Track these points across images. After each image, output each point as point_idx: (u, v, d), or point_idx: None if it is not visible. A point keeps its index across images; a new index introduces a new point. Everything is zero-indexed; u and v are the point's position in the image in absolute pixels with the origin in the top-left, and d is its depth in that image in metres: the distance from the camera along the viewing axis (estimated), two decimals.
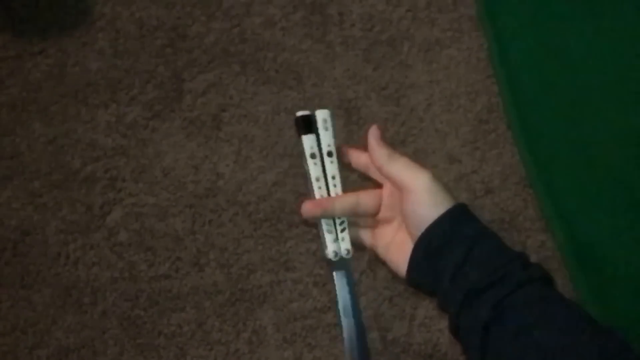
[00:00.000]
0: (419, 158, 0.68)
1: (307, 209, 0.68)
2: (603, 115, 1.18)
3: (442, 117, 1.24)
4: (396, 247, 0.65)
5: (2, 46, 1.27)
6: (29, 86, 1.24)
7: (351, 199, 0.67)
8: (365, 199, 0.68)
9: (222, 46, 1.27)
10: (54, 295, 1.13)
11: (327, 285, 1.14)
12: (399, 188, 0.63)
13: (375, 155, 0.66)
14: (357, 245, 0.70)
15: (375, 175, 0.70)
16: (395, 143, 1.22)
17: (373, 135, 0.67)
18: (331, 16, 1.30)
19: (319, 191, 0.69)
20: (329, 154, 0.69)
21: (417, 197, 0.61)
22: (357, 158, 0.70)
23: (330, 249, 0.68)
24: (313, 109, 0.74)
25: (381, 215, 0.68)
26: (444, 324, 1.12)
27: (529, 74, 1.23)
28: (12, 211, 1.17)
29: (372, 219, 0.68)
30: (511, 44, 1.25)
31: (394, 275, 0.67)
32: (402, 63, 1.28)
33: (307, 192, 1.26)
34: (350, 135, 1.23)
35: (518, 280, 0.56)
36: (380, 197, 0.68)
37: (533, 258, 1.17)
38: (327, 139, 0.69)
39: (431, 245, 0.60)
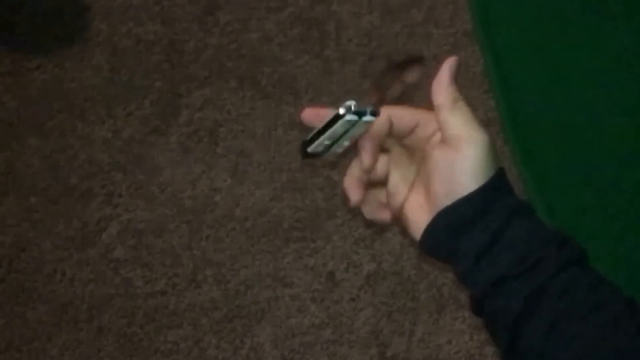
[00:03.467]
0: None
1: (309, 112, 0.56)
2: (602, 130, 1.18)
3: None
4: (411, 207, 0.55)
5: None
6: (26, 101, 1.24)
7: (384, 116, 0.54)
8: (398, 116, 0.55)
9: (219, 61, 1.27)
10: (50, 312, 1.12)
11: (325, 301, 1.14)
12: (447, 140, 0.53)
13: (442, 91, 0.55)
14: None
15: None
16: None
17: (450, 67, 0.56)
18: (328, 32, 1.31)
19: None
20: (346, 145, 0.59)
21: (463, 160, 0.51)
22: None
23: (313, 148, 0.56)
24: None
25: (401, 135, 0.57)
26: (443, 339, 1.12)
27: (525, 88, 1.23)
28: (8, 227, 1.16)
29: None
30: (507, 58, 1.25)
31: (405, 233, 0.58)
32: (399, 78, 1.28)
33: (304, 207, 1.26)
34: (347, 150, 1.23)
35: (553, 267, 0.50)
36: (417, 121, 0.55)
37: None
38: (354, 133, 0.56)
39: (457, 220, 0.52)
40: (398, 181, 0.57)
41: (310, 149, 0.58)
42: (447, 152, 0.53)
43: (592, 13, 1.26)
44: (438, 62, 0.55)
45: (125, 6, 1.30)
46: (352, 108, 0.53)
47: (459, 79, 0.58)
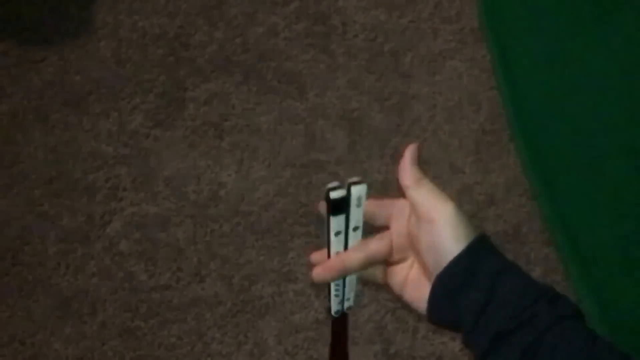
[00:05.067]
0: (421, 169, 0.64)
1: (319, 273, 0.65)
2: (608, 126, 1.18)
3: (445, 128, 1.24)
4: (412, 284, 0.62)
5: (4, 54, 1.26)
6: (30, 94, 1.24)
7: (360, 255, 0.63)
8: (374, 247, 0.64)
9: (225, 55, 1.27)
10: (53, 305, 1.12)
11: None
12: (420, 216, 0.60)
13: (406, 174, 0.63)
14: (372, 283, 0.68)
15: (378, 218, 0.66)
16: (398, 154, 1.21)
17: (411, 152, 0.64)
18: (334, 26, 1.30)
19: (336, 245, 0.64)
20: (355, 229, 0.64)
21: (439, 229, 0.58)
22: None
23: (334, 309, 0.66)
24: (342, 177, 0.66)
25: (394, 257, 0.66)
26: (447, 337, 1.11)
27: (532, 85, 1.23)
28: (12, 220, 1.16)
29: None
30: (514, 55, 1.25)
31: (413, 311, 0.64)
32: (405, 74, 1.27)
33: (308, 203, 1.25)
34: (352, 146, 1.22)
35: (547, 321, 0.53)
36: (390, 240, 0.64)
37: (536, 271, 1.17)
38: (357, 215, 0.62)
39: (451, 283, 0.57)
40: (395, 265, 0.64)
41: (334, 312, 0.66)
42: (425, 226, 0.59)
43: (601, 10, 1.26)
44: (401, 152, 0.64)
45: None
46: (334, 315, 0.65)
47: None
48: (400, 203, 0.64)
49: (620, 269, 1.09)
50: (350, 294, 0.64)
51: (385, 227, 0.65)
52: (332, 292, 0.64)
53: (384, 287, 0.65)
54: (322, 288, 1.14)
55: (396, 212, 0.64)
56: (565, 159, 1.18)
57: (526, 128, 1.20)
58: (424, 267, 0.60)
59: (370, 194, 0.71)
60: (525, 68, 1.24)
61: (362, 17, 1.31)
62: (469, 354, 1.11)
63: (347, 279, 0.64)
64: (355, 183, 0.61)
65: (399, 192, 0.67)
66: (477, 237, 0.57)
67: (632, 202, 1.12)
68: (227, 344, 1.11)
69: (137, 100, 1.24)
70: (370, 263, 0.62)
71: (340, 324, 0.67)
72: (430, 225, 0.58)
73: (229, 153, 1.21)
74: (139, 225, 1.16)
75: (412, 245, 0.62)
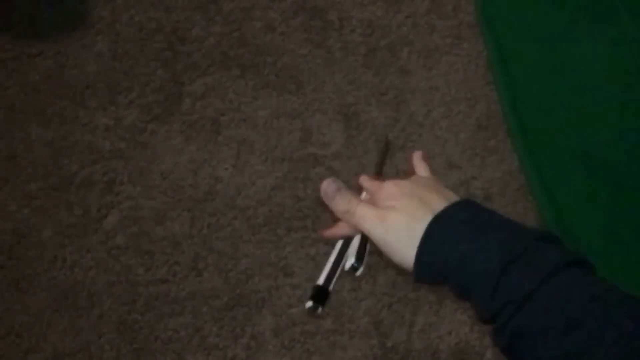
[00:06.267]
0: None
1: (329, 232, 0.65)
2: (603, 120, 1.18)
3: (441, 123, 1.24)
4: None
5: (0, 48, 1.26)
6: (27, 88, 1.23)
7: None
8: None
9: (222, 50, 1.27)
10: (50, 298, 1.11)
11: None
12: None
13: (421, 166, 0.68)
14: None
15: None
16: (395, 149, 1.21)
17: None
18: (331, 21, 1.30)
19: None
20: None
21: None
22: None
23: (321, 281, 0.64)
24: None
25: None
26: (443, 330, 1.12)
27: (528, 80, 1.23)
28: (8, 213, 1.16)
29: None
30: (510, 50, 1.25)
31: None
32: (402, 69, 1.27)
33: (305, 197, 1.25)
34: (349, 141, 1.23)
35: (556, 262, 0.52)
36: None
37: None
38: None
39: (471, 218, 0.55)
40: None
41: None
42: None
43: (596, 6, 1.26)
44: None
45: None
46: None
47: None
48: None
49: (620, 267, 1.10)
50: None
51: None
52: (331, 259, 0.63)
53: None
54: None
55: None
56: (561, 152, 1.18)
57: (522, 123, 1.21)
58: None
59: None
60: (522, 63, 1.24)
61: (359, 12, 1.31)
62: (463, 347, 1.12)
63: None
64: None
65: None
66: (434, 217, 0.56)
67: (628, 196, 1.13)
68: (224, 337, 1.11)
69: (134, 95, 1.24)
70: None
71: None
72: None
73: (225, 147, 1.21)
74: (136, 219, 1.16)
75: None
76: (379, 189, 0.60)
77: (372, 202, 0.60)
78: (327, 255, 1.22)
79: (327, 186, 0.61)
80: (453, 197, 0.58)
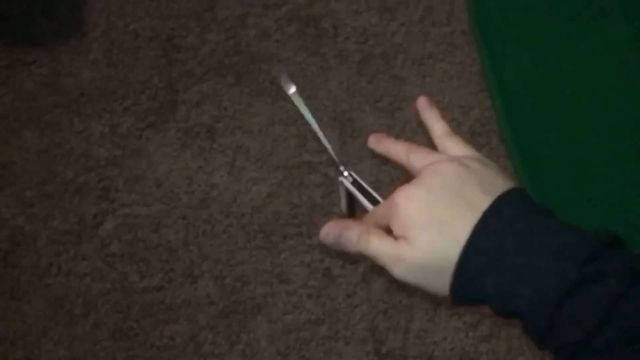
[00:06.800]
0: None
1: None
2: (598, 129, 1.19)
3: None
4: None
5: None
6: (22, 96, 1.23)
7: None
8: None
9: (217, 58, 1.27)
10: (45, 306, 1.11)
11: (322, 297, 1.14)
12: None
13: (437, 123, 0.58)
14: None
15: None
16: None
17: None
18: (325, 29, 1.31)
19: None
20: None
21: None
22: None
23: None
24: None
25: None
26: (439, 336, 1.12)
27: (521, 87, 1.24)
28: (3, 221, 1.16)
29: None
30: (504, 57, 1.26)
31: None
32: (396, 76, 1.28)
33: (300, 204, 1.26)
34: (344, 148, 1.23)
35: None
36: None
37: None
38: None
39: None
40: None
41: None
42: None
43: (589, 12, 1.27)
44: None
45: (122, 1, 1.30)
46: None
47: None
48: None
49: None
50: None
51: None
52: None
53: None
54: (315, 289, 1.14)
55: None
56: (555, 159, 1.19)
57: (516, 130, 1.21)
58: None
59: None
60: (515, 70, 1.25)
61: (353, 20, 1.32)
62: (459, 353, 1.12)
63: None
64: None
65: (392, 189, 0.63)
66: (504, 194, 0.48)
67: (624, 206, 1.14)
68: (219, 344, 1.11)
69: (129, 102, 1.24)
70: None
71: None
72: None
73: (221, 154, 1.21)
74: (131, 227, 1.16)
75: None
76: (395, 209, 0.51)
77: (388, 216, 0.52)
78: (323, 262, 1.23)
79: (326, 237, 0.53)
80: (490, 189, 0.49)
